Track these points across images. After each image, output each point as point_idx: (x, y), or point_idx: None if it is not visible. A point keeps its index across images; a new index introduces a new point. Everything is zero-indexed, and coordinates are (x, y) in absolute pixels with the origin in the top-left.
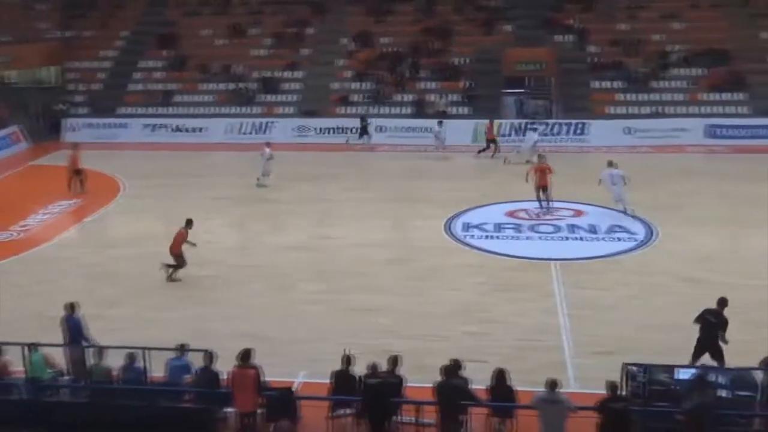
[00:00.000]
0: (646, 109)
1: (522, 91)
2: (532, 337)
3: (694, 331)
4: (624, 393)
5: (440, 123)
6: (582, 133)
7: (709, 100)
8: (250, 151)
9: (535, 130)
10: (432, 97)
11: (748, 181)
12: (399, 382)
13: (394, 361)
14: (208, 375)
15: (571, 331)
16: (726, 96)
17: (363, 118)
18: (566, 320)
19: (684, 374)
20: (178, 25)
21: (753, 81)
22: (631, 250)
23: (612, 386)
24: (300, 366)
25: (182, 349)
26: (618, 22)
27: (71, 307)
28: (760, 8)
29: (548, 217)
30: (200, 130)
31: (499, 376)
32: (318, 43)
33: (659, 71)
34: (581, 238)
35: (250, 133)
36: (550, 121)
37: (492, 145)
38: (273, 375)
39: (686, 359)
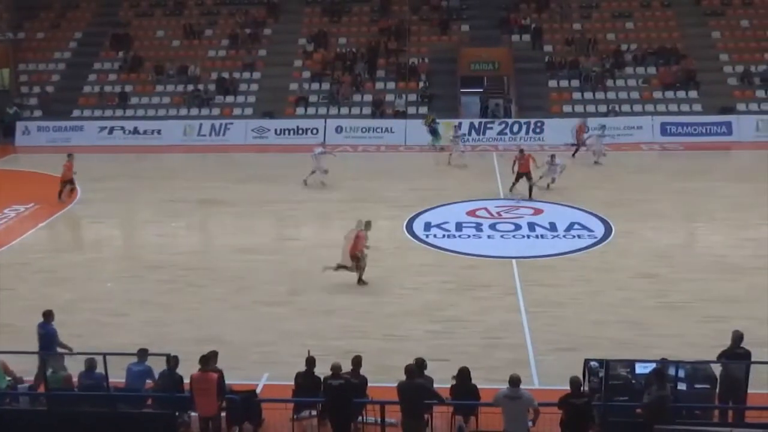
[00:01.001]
0: (601, 108)
1: (479, 90)
2: (494, 335)
3: (652, 326)
4: (585, 389)
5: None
6: (538, 132)
7: (662, 98)
8: (208, 153)
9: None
10: (389, 97)
11: (700, 177)
12: (362, 382)
13: (357, 361)
14: (171, 379)
15: (533, 328)
16: (678, 94)
17: (433, 120)
18: (528, 317)
19: (643, 368)
20: (132, 26)
21: (704, 79)
22: (589, 246)
23: (575, 382)
24: (263, 369)
25: (143, 354)
26: (572, 21)
27: (46, 316)
28: (711, 7)
29: (508, 215)
30: (157, 132)
31: (462, 374)
32: (274, 44)
33: (613, 70)
34: (541, 236)
35: (208, 135)
36: (509, 120)
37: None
38: (236, 378)
39: (644, 354)
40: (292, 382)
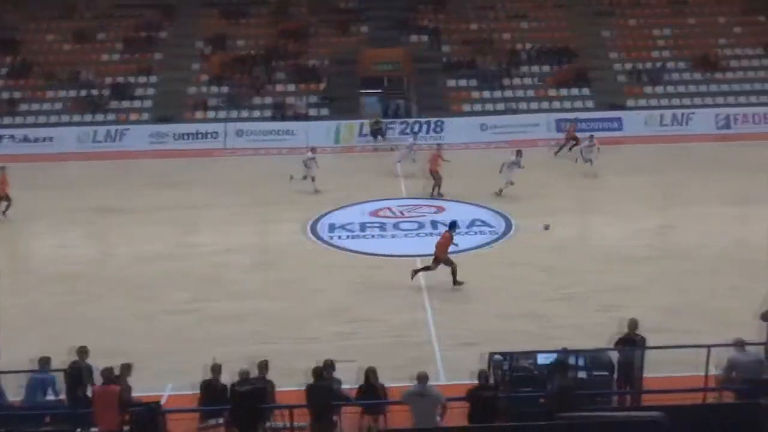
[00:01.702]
0: (499, 106)
1: (379, 91)
2: (400, 333)
3: (552, 317)
4: (491, 382)
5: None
6: (439, 131)
7: (557, 95)
8: (104, 159)
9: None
10: (291, 100)
11: (594, 171)
12: (269, 387)
13: (263, 366)
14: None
15: (438, 324)
16: (572, 91)
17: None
18: (433, 315)
19: (545, 359)
20: (20, 30)
21: (596, 76)
22: (491, 242)
23: (482, 375)
24: (167, 379)
25: (45, 362)
26: (469, 22)
27: None
28: (602, 7)
29: (411, 214)
30: (48, 139)
31: (369, 374)
32: (171, 47)
33: (510, 69)
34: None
35: (104, 141)
36: (409, 120)
37: (572, 143)
38: (139, 390)
39: (546, 345)
40: (198, 391)
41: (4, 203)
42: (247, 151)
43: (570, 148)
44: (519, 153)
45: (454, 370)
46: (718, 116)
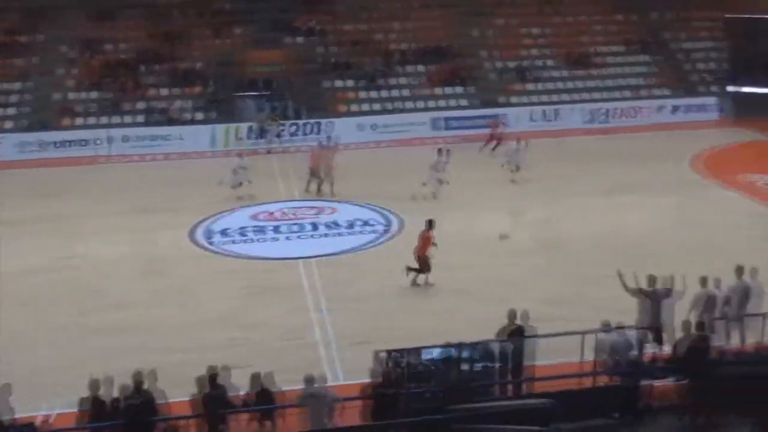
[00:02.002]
0: (380, 106)
1: (262, 93)
2: (292, 336)
3: (443, 311)
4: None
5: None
6: (321, 132)
7: (436, 94)
8: None
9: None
10: (169, 104)
11: (476, 167)
12: (156, 399)
13: (150, 377)
14: None
15: (330, 325)
16: (450, 90)
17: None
18: (324, 316)
19: (436, 353)
20: None
21: (471, 75)
22: (379, 241)
23: (383, 373)
24: (47, 397)
25: None
26: (350, 23)
27: None
28: (476, 7)
29: (293, 216)
30: None
31: (262, 379)
32: (39, 52)
33: (389, 69)
34: (331, 234)
35: None
36: (299, 122)
37: (495, 143)
38: (22, 411)
39: (438, 339)
40: (78, 409)
41: None
42: (127, 158)
43: (493, 149)
44: (441, 152)
45: (349, 370)
46: (586, 111)
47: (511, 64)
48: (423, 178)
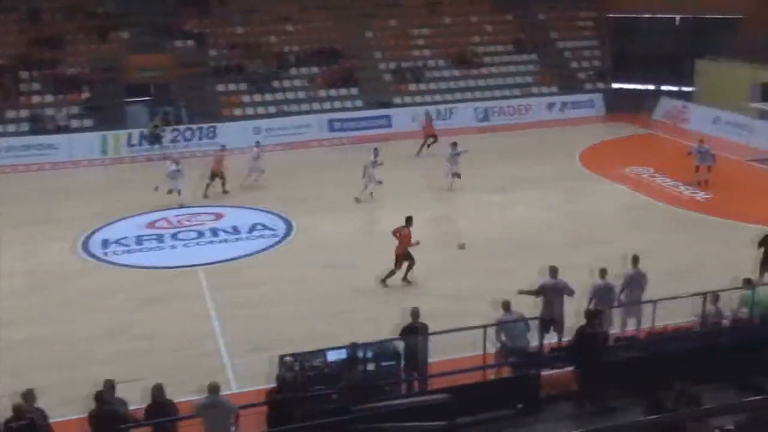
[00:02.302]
0: (271, 109)
1: (149, 98)
2: (188, 346)
3: (340, 312)
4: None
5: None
6: (213, 137)
7: (327, 96)
8: None
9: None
10: (49, 111)
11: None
12: (40, 419)
13: (29, 397)
14: None
15: (227, 333)
16: (341, 92)
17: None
18: (220, 324)
19: (335, 355)
20: None
21: (362, 76)
22: (273, 245)
23: (279, 378)
24: None
25: None
26: (235, 25)
27: None
28: (364, 9)
29: (189, 223)
30: None
31: (156, 391)
32: None
33: (279, 72)
34: (225, 240)
35: None
36: (181, 127)
37: (431, 140)
38: None
39: (336, 341)
40: None
41: None
42: (12, 168)
43: (429, 146)
44: (376, 151)
45: (247, 377)
46: (477, 110)
47: (403, 65)
48: (315, 180)
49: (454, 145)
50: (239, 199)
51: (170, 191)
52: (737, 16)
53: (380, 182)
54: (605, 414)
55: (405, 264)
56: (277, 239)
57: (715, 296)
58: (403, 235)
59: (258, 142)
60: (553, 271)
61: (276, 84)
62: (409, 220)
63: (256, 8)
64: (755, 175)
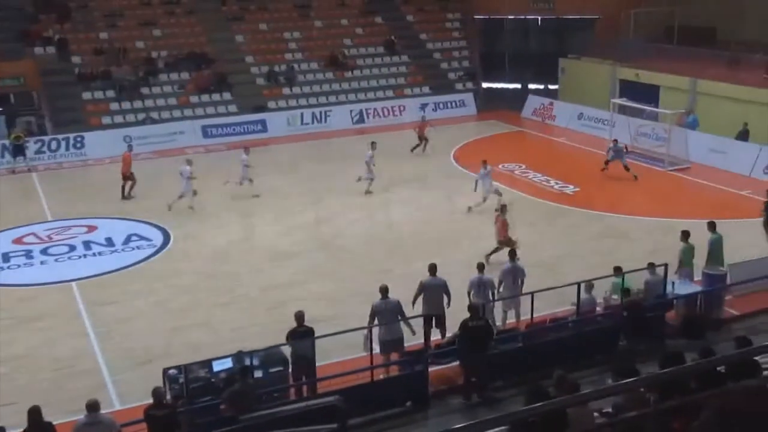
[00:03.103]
0: (141, 116)
1: (6, 108)
2: (65, 365)
3: (222, 323)
4: (168, 398)
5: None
6: (80, 147)
7: (199, 102)
8: None
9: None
10: None
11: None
12: None
13: None
14: None
15: (105, 349)
16: (214, 97)
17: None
18: (97, 340)
19: (220, 365)
20: None
21: (235, 81)
22: (150, 256)
23: (157, 393)
24: None
25: None
26: (98, 31)
27: None
28: (231, 13)
29: (60, 237)
30: None
31: (32, 414)
32: None
33: (147, 78)
34: (99, 253)
35: None
36: (45, 138)
37: (425, 142)
38: None
39: (219, 351)
40: None
41: None
42: None
43: (423, 148)
44: (374, 144)
45: (129, 393)
46: (352, 112)
47: (275, 69)
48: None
49: (373, 144)
50: (113, 209)
51: (242, 181)
52: (594, 16)
53: (244, 182)
54: (491, 405)
55: (505, 245)
56: (154, 249)
57: (589, 285)
58: (500, 221)
59: (246, 149)
60: (432, 269)
61: (145, 90)
62: (503, 208)
63: (119, 13)
64: (619, 167)
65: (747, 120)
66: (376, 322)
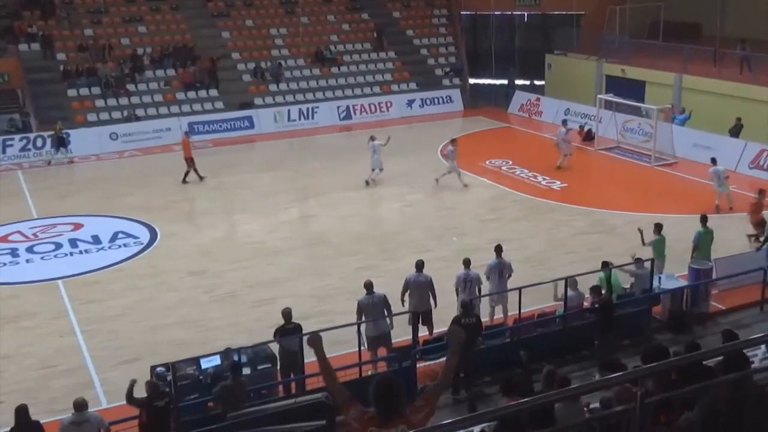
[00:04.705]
0: (126, 113)
1: None
2: (51, 364)
3: (208, 320)
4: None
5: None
6: (66, 144)
7: (185, 98)
8: None
9: None
10: None
11: (231, 171)
12: None
13: None
14: None
15: (91, 347)
16: (200, 93)
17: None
18: (84, 338)
19: (208, 362)
20: None
21: (221, 77)
22: (137, 254)
23: (153, 384)
24: None
25: None
26: (82, 27)
27: None
28: (217, 9)
29: (45, 235)
30: None
31: (20, 413)
32: None
33: (133, 74)
34: (85, 251)
35: None
36: (31, 135)
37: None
38: None
39: (206, 349)
40: None
41: None
42: None
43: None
44: (455, 141)
45: (116, 391)
46: (339, 108)
47: (262, 65)
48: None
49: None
50: (98, 207)
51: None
52: (580, 12)
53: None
54: (480, 400)
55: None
56: (141, 247)
57: (575, 280)
58: (756, 205)
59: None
60: (419, 265)
61: (131, 87)
62: (761, 193)
63: (104, 9)
64: (606, 162)
65: (736, 116)
66: (363, 318)
